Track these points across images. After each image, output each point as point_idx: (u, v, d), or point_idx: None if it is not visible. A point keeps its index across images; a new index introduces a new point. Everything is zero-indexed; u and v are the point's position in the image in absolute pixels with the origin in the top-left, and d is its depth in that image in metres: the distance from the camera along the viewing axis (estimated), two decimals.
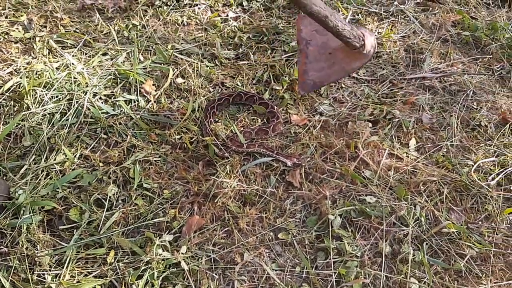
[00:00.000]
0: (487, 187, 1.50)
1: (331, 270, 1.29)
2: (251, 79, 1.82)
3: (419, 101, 1.77)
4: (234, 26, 2.03)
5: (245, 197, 1.42)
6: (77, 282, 1.19)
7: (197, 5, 2.13)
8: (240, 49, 1.93)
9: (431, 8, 2.20)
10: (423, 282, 1.27)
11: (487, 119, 1.73)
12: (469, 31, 2.08)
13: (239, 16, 2.10)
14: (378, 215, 1.39)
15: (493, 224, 1.42)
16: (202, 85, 1.76)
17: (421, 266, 1.31)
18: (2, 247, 1.26)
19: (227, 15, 2.09)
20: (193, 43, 1.94)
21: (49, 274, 1.21)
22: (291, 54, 1.89)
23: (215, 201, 1.40)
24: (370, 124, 1.67)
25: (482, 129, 1.70)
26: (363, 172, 1.52)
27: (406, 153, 1.59)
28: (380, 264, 1.31)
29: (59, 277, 1.20)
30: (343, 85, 1.82)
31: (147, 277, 1.20)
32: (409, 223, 1.38)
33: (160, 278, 1.21)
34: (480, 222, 1.43)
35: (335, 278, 1.27)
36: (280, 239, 1.36)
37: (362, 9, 2.17)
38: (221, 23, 2.05)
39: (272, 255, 1.33)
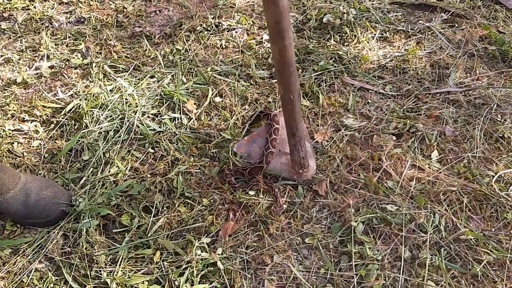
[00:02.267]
0: (507, 196, 1.57)
1: (353, 272, 1.41)
2: None
3: (443, 115, 1.86)
4: (268, 47, 2.20)
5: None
6: (128, 278, 1.38)
7: (234, 29, 2.32)
8: (273, 69, 2.09)
9: (457, 24, 2.28)
10: (440, 285, 1.37)
11: (510, 131, 1.80)
12: (496, 45, 2.15)
13: None
14: (399, 222, 1.50)
15: (511, 231, 1.50)
16: (238, 102, 1.94)
17: (438, 270, 1.40)
18: (66, 247, 1.47)
19: (262, 38, 2.27)
20: (231, 65, 2.12)
21: (104, 271, 1.40)
22: (320, 72, 2.03)
23: (248, 210, 1.56)
24: (394, 137, 1.78)
25: (505, 141, 1.77)
26: (385, 182, 1.63)
27: (428, 164, 1.69)
28: (399, 267, 1.42)
29: (113, 274, 1.39)
30: (369, 101, 1.95)
31: (187, 275, 1.37)
32: (428, 230, 1.48)
33: (199, 276, 1.38)
34: (498, 230, 1.51)
35: (357, 279, 1.39)
36: (306, 243, 1.49)
37: (390, 27, 2.28)
38: (256, 45, 2.22)
39: (299, 257, 1.47)
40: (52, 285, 1.39)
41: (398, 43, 2.20)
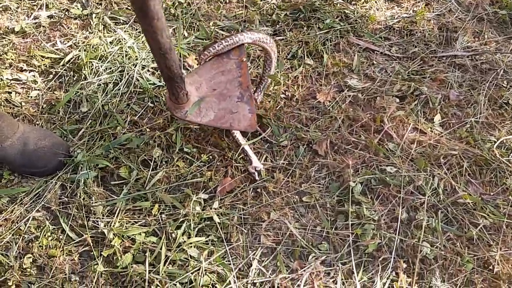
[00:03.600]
0: (507, 162, 1.56)
1: (349, 231, 1.41)
2: (287, 54, 1.93)
3: (448, 79, 1.83)
4: (273, 3, 2.14)
5: (274, 165, 1.57)
6: (125, 229, 1.38)
7: None
8: (277, 25, 2.04)
9: None
10: (435, 246, 1.38)
11: None
12: (507, 9, 2.09)
13: None
14: (397, 184, 1.50)
15: (509, 197, 1.50)
16: None
17: (434, 232, 1.41)
18: (63, 197, 1.47)
19: None
20: (234, 20, 2.07)
21: (101, 221, 1.40)
22: (325, 31, 1.98)
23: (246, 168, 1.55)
24: (398, 100, 1.75)
25: (509, 107, 1.75)
26: (386, 144, 1.62)
27: (430, 128, 1.67)
28: (395, 228, 1.42)
29: (110, 225, 1.39)
30: (374, 62, 1.91)
31: (184, 228, 1.38)
32: (426, 192, 1.48)
33: (196, 229, 1.39)
34: (496, 195, 1.51)
35: (352, 238, 1.40)
36: (304, 202, 1.49)
37: None
38: (261, 0, 2.16)
39: (296, 215, 1.47)
40: (49, 233, 1.39)
41: (407, 4, 2.13)
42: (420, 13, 2.05)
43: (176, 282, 1.29)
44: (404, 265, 1.34)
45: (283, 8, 2.10)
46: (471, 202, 1.46)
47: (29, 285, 1.29)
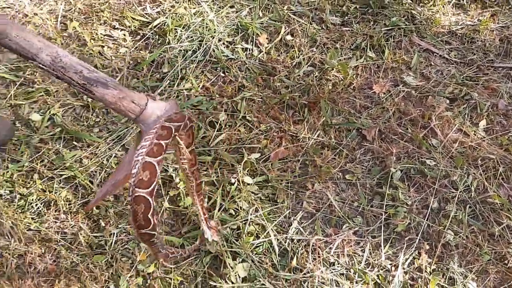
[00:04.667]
0: None
1: (383, 210, 1.59)
2: (351, 44, 2.08)
3: (500, 88, 1.93)
4: None
5: (324, 143, 1.75)
6: None
7: None
8: (346, 17, 2.19)
9: None
10: (458, 235, 1.53)
11: None
12: None
13: None
14: (434, 176, 1.65)
15: None
16: (307, 44, 2.07)
17: (460, 224, 1.56)
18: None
19: None
20: (306, 7, 2.23)
21: (171, 167, 1.64)
22: (390, 28, 2.11)
23: (299, 142, 1.74)
24: (448, 101, 1.88)
25: None
26: (430, 140, 1.76)
27: (474, 131, 1.79)
28: (425, 214, 1.58)
29: (177, 171, 1.63)
30: (432, 63, 2.03)
31: (238, 185, 1.59)
32: (459, 187, 1.62)
33: (247, 189, 1.60)
34: None
35: (385, 216, 1.57)
36: (346, 179, 1.67)
37: None
38: None
39: (337, 189, 1.65)
40: None
41: (473, 13, 2.22)
42: (484, 23, 2.14)
43: (227, 226, 1.51)
44: (427, 247, 1.50)
45: (354, 1, 2.24)
46: (499, 203, 1.59)
47: (107, 208, 1.54)
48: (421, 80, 1.96)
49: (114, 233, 1.50)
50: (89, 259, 1.44)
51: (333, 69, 1.96)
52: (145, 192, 0.99)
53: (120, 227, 1.51)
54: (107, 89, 1.01)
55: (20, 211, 1.52)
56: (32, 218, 1.52)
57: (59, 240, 1.47)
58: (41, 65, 1.01)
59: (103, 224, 1.51)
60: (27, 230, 1.49)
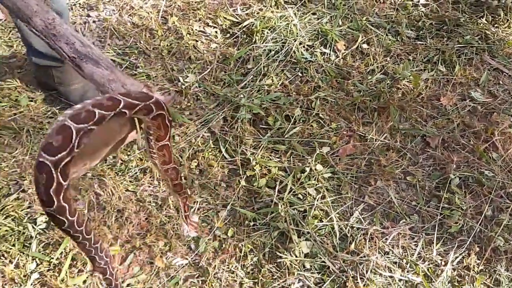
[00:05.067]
0: None
1: (439, 211, 1.72)
2: (423, 58, 2.22)
3: None
4: (422, 11, 2.42)
5: (389, 146, 1.90)
6: (265, 160, 1.82)
7: None
8: (421, 31, 2.32)
9: None
10: (508, 242, 1.64)
11: None
12: None
13: (429, 4, 2.47)
14: (490, 186, 1.76)
15: None
16: (381, 53, 2.23)
17: (511, 232, 1.67)
18: (224, 127, 1.95)
19: (418, 1, 2.48)
20: (384, 19, 2.39)
21: (249, 151, 1.86)
22: (463, 45, 2.23)
23: (366, 142, 1.91)
24: None
25: None
26: (491, 153, 1.87)
27: None
28: (478, 220, 1.70)
29: (255, 155, 1.84)
30: (500, 82, 2.13)
31: (308, 173, 1.78)
32: None
33: (316, 178, 1.79)
34: None
35: (440, 217, 1.71)
36: (407, 180, 1.82)
37: None
38: (412, 7, 2.45)
39: (397, 188, 1.81)
40: (210, 150, 1.88)
41: None
42: None
43: (294, 208, 1.70)
44: (477, 249, 1.63)
45: (430, 17, 2.38)
46: None
47: (193, 180, 1.78)
48: (488, 97, 2.07)
49: (197, 201, 1.73)
50: (175, 220, 1.69)
51: (404, 79, 2.10)
52: (49, 161, 0.81)
53: (203, 197, 1.75)
54: (97, 68, 0.96)
55: (120, 174, 1.79)
56: (130, 181, 1.78)
57: (151, 202, 1.73)
58: (33, 29, 0.99)
59: (189, 192, 1.75)
60: (125, 191, 1.75)
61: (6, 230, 1.60)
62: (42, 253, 1.57)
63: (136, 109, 0.92)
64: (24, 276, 1.53)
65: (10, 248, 1.57)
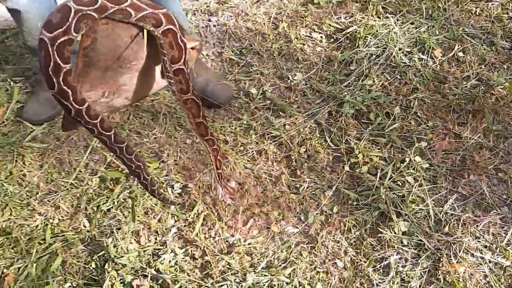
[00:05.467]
0: None
1: None
2: None
3: None
4: None
5: (482, 144, 2.07)
6: (367, 149, 2.05)
7: (491, 1, 2.70)
8: None
9: None
10: None
11: None
12: None
13: None
14: None
15: None
16: (476, 61, 2.39)
17: None
18: (329, 119, 2.20)
19: None
20: (479, 30, 2.54)
21: (352, 141, 2.10)
22: None
23: (461, 140, 2.09)
24: None
25: None
26: None
27: None
28: None
29: (358, 145, 2.08)
30: None
31: (407, 163, 1.99)
32: None
33: (415, 168, 1.99)
34: None
35: None
36: (498, 176, 1.99)
37: None
38: (507, 19, 2.58)
39: (489, 183, 1.97)
40: (316, 138, 2.14)
41: None
42: None
43: (393, 192, 1.92)
44: None
45: None
46: None
47: (302, 164, 2.05)
48: None
49: (306, 181, 2.00)
50: (286, 195, 1.96)
51: (498, 85, 2.26)
52: (46, 37, 0.86)
53: (311, 178, 2.01)
54: None
55: (240, 154, 2.10)
56: (248, 161, 2.08)
57: (266, 178, 2.01)
58: None
59: (298, 173, 2.02)
60: (244, 168, 2.05)
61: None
62: (179, 212, 1.90)
63: (143, 14, 0.95)
64: (166, 229, 1.86)
65: (154, 206, 1.92)
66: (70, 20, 0.86)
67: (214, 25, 2.71)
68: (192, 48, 1.15)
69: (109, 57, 1.05)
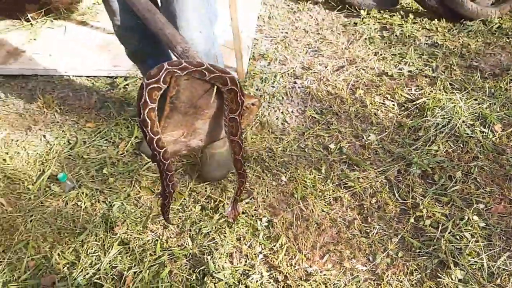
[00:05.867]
0: None
1: None
2: None
3: None
4: None
5: None
6: (432, 206, 2.36)
7: None
8: None
9: None
10: None
11: None
12: None
13: None
14: None
15: None
16: None
17: None
18: (399, 177, 2.54)
19: None
20: None
21: (418, 197, 2.42)
22: None
23: None
24: None
25: None
26: None
27: None
28: None
29: (423, 201, 2.39)
30: None
31: (466, 221, 2.28)
32: None
33: (472, 226, 2.27)
34: None
35: None
36: None
37: None
38: None
39: None
40: (386, 192, 2.47)
41: None
42: None
43: (452, 245, 2.21)
44: None
45: None
46: None
47: (373, 212, 2.38)
48: None
49: (375, 228, 2.33)
50: (357, 238, 2.29)
51: None
52: (144, 82, 1.25)
53: (380, 226, 2.33)
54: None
55: (318, 199, 2.47)
56: (325, 205, 2.45)
57: (341, 221, 2.36)
58: (174, 53, 1.42)
59: (369, 220, 2.36)
60: (321, 211, 2.41)
61: (242, 223, 2.35)
62: (265, 241, 2.27)
63: (214, 75, 1.30)
64: (254, 254, 2.23)
65: (245, 234, 2.30)
66: (161, 74, 1.25)
67: (299, 87, 3.17)
68: (252, 104, 1.47)
69: (188, 105, 1.38)
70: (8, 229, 2.44)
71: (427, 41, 3.47)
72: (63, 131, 2.96)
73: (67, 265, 2.25)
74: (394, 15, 3.67)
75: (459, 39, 3.45)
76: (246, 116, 1.45)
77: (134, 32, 2.26)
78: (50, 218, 2.46)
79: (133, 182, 2.59)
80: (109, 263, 2.24)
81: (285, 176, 2.59)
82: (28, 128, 2.98)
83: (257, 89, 3.16)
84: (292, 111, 3.00)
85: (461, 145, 2.68)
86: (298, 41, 3.55)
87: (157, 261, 2.24)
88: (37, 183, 2.63)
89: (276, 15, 3.82)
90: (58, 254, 2.29)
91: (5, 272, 2.25)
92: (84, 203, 2.51)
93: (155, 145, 1.35)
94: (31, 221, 2.45)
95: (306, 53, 3.44)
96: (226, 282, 2.12)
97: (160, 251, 2.28)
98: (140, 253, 2.28)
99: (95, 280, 2.17)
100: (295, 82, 3.21)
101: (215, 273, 2.14)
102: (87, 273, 2.20)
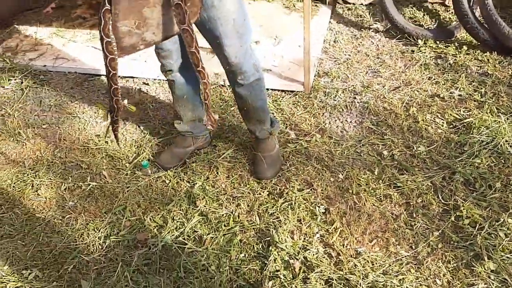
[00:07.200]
0: None
1: None
2: None
3: None
4: None
5: None
6: (471, 208, 2.69)
7: None
8: None
9: None
10: None
11: None
12: None
13: None
14: None
15: None
16: None
17: None
18: (443, 182, 2.89)
19: None
20: None
21: (459, 200, 2.75)
22: None
23: None
24: None
25: None
26: None
27: None
28: None
29: (464, 203, 2.72)
30: None
31: (501, 222, 2.58)
32: None
33: (507, 227, 2.57)
34: None
35: None
36: None
37: None
38: None
39: None
40: (431, 194, 2.81)
41: None
42: None
43: (487, 242, 2.51)
44: None
45: None
46: None
47: (418, 209, 2.73)
48: None
49: (419, 222, 2.67)
50: (403, 229, 2.64)
51: None
52: None
53: (423, 221, 2.68)
54: None
55: (369, 195, 2.84)
56: (376, 200, 2.82)
57: (389, 215, 2.72)
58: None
59: (414, 215, 2.70)
60: (372, 205, 2.79)
61: (303, 208, 2.76)
62: (322, 224, 2.67)
63: None
64: (312, 233, 2.64)
65: (305, 217, 2.71)
66: None
67: (358, 102, 3.58)
68: None
69: None
70: (109, 196, 2.97)
71: (478, 70, 3.80)
72: (153, 123, 3.51)
73: (157, 227, 2.74)
74: (449, 46, 4.03)
75: (509, 70, 3.76)
76: (189, 7, 1.43)
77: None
78: (143, 190, 2.98)
79: (211, 168, 3.08)
80: (191, 228, 2.71)
81: (342, 174, 3.00)
82: (125, 119, 3.54)
83: (320, 101, 3.60)
84: (350, 121, 3.41)
85: (503, 161, 2.99)
86: (359, 63, 3.98)
87: (230, 231, 2.69)
88: (133, 163, 3.17)
89: (340, 39, 4.28)
90: (150, 218, 2.79)
91: (106, 228, 2.76)
92: (170, 181, 3.01)
93: (104, 48, 1.37)
94: (128, 191, 2.98)
95: (366, 73, 3.86)
96: (287, 252, 2.53)
97: (233, 223, 2.73)
98: (216, 224, 2.74)
99: (180, 239, 2.64)
100: (354, 98, 3.63)
101: (279, 243, 2.56)
102: (173, 234, 2.68)
